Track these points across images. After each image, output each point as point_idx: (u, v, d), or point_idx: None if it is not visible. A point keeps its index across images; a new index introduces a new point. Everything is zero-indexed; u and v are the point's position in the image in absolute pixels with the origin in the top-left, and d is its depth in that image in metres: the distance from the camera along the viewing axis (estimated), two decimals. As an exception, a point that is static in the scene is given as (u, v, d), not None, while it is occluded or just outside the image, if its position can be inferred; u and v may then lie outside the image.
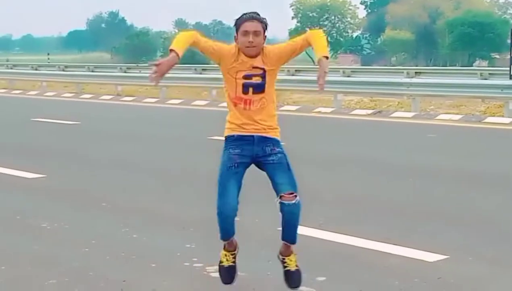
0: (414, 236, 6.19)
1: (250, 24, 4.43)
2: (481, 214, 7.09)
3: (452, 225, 6.62)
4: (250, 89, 4.50)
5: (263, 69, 4.50)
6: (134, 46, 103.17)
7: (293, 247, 4.67)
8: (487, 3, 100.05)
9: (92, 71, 26.80)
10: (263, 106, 4.52)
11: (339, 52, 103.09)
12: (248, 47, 4.44)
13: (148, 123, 16.62)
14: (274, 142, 4.54)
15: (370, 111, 17.69)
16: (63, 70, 28.20)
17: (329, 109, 18.15)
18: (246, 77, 4.49)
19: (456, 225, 6.64)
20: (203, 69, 23.32)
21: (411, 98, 17.72)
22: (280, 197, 4.48)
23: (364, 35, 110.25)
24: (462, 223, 6.71)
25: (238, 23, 4.49)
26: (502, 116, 15.87)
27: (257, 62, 4.49)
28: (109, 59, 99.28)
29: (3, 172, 9.53)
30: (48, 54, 61.36)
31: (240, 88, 4.51)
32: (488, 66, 57.37)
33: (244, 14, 4.52)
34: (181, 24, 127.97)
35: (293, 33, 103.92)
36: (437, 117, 16.14)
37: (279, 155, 4.52)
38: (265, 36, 4.51)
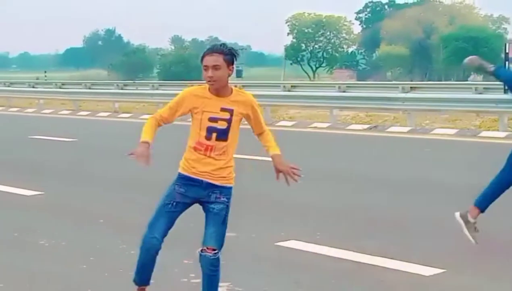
0: (411, 250, 6.19)
1: (209, 58, 4.24)
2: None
3: (449, 238, 6.61)
4: (214, 135, 4.30)
5: (231, 111, 4.30)
6: (131, 63, 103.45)
7: None
8: (481, 18, 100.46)
9: (89, 88, 26.82)
10: (224, 154, 4.34)
11: (334, 67, 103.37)
12: (209, 82, 4.27)
13: (145, 140, 16.59)
14: (222, 190, 4.38)
15: (366, 126, 17.72)
16: (60, 88, 28.22)
17: (325, 125, 18.17)
18: (211, 120, 4.29)
19: (453, 238, 6.63)
20: (199, 86, 23.31)
21: (406, 113, 17.76)
22: (202, 250, 4.40)
23: (360, 51, 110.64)
24: (459, 236, 6.69)
25: (201, 58, 4.33)
26: (497, 130, 15.89)
27: (226, 103, 4.29)
28: (106, 76, 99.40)
29: (0, 189, 9.51)
30: (45, 71, 61.45)
31: (203, 133, 4.31)
32: (482, 81, 57.42)
33: (208, 48, 4.35)
34: (177, 41, 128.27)
35: (289, 49, 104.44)
36: (433, 132, 16.17)
37: (220, 206, 4.38)
38: (232, 69, 4.28)
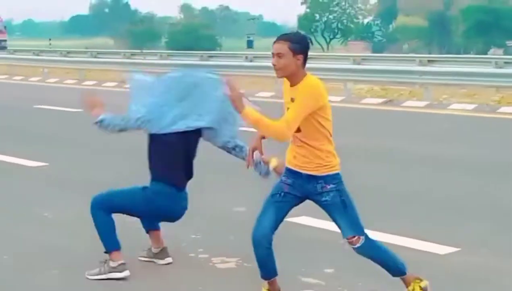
0: (424, 228, 6.23)
1: (274, 46, 4.21)
2: (496, 205, 7.10)
3: (466, 217, 6.65)
4: None
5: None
6: (138, 32, 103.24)
7: (409, 276, 4.49)
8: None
9: (95, 57, 26.85)
10: (304, 145, 4.27)
11: (349, 39, 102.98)
12: (275, 70, 4.23)
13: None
14: (326, 179, 4.29)
15: (381, 100, 17.70)
16: (65, 56, 28.27)
17: (339, 98, 18.12)
18: (287, 110, 4.23)
19: (470, 216, 6.67)
20: (209, 56, 23.30)
21: (423, 87, 17.72)
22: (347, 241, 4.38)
23: (376, 22, 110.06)
24: (476, 215, 6.74)
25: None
26: (517, 106, 15.84)
27: (293, 92, 4.19)
28: (112, 45, 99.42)
29: (5, 160, 9.59)
30: (50, 39, 61.53)
31: None
32: (503, 55, 57.16)
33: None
34: (187, 10, 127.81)
35: (302, 19, 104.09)
36: (450, 107, 16.13)
37: (331, 194, 4.30)
38: (300, 58, 4.16)
